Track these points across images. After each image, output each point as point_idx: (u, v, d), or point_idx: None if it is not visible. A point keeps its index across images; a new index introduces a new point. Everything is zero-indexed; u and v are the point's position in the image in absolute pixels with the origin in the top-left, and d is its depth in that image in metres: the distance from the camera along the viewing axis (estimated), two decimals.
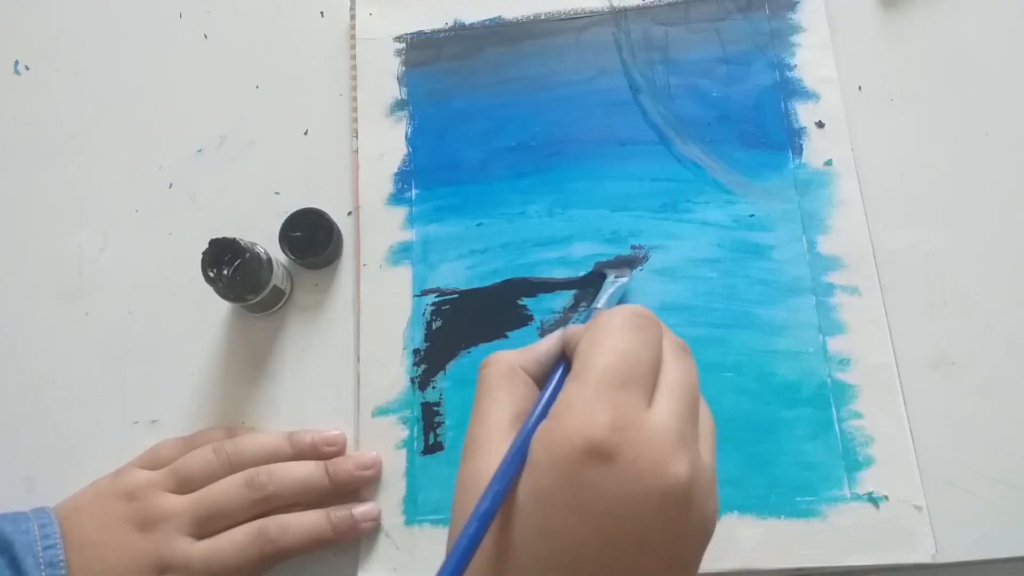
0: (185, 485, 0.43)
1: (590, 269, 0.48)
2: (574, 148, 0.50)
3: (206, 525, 0.42)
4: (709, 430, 0.33)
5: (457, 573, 0.28)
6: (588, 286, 0.48)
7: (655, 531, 0.29)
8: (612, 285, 0.44)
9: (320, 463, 0.44)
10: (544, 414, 0.32)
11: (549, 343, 0.36)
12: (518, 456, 0.31)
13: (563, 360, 0.35)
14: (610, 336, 0.32)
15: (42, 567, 0.40)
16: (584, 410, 0.30)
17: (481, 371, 0.35)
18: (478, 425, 0.33)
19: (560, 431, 0.30)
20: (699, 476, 0.30)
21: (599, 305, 0.42)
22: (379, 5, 0.54)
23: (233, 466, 0.44)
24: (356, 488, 0.45)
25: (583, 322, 0.38)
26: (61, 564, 0.41)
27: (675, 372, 0.32)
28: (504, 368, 0.35)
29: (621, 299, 0.45)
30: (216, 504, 0.42)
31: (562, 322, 0.47)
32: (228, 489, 0.42)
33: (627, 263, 0.46)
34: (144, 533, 0.42)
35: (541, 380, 0.36)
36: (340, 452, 0.45)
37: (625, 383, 0.30)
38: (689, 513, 0.29)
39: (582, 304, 0.47)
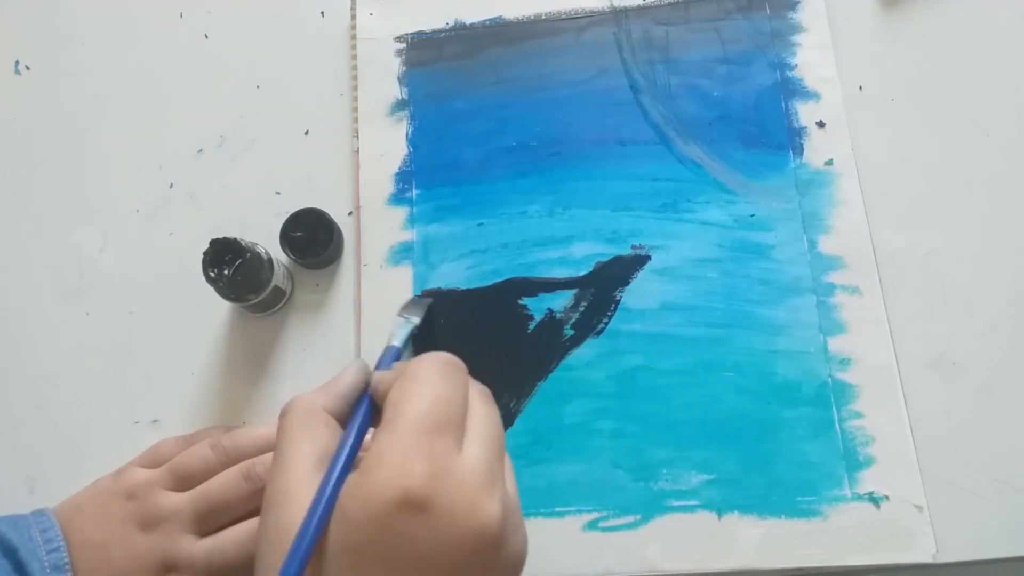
0: (184, 482, 0.43)
1: (590, 268, 0.48)
2: (574, 148, 0.50)
3: (207, 521, 0.42)
4: (509, 464, 0.33)
5: None
6: (589, 286, 0.48)
7: (469, 570, 0.29)
8: (408, 325, 0.44)
9: None
10: (350, 459, 0.32)
11: (351, 377, 0.36)
12: (325, 508, 0.30)
13: (366, 397, 0.35)
14: (421, 383, 0.32)
15: (48, 571, 0.40)
16: (398, 460, 0.29)
17: (281, 419, 0.34)
18: (280, 475, 0.32)
19: (374, 484, 0.29)
20: (509, 512, 0.31)
21: (396, 343, 0.41)
22: (379, 5, 0.54)
23: (231, 460, 0.43)
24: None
25: (383, 363, 0.38)
26: (66, 567, 0.41)
27: (482, 415, 0.33)
28: (304, 412, 0.34)
29: (409, 338, 0.44)
30: (215, 499, 0.42)
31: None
32: (226, 483, 0.42)
33: (419, 304, 0.46)
34: (146, 532, 0.42)
35: (345, 417, 0.35)
36: None
37: (437, 429, 0.31)
38: (502, 549, 0.30)
39: (584, 303, 0.47)
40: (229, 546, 0.41)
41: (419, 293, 0.48)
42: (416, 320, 0.44)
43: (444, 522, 0.29)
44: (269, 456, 0.43)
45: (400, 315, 0.44)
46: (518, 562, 0.31)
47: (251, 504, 0.43)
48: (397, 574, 0.29)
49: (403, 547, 0.29)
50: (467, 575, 0.29)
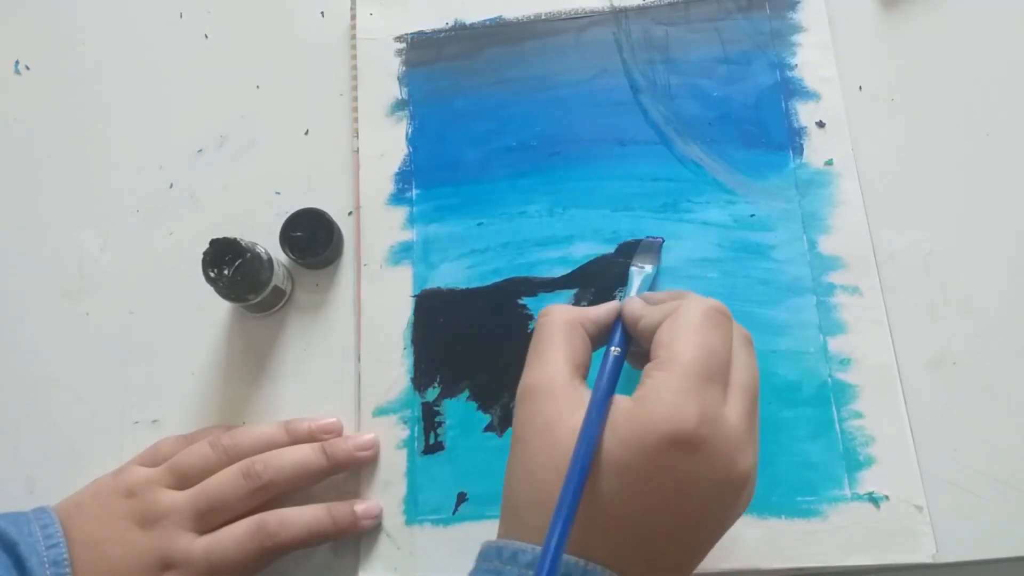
0: (183, 480, 0.43)
1: (587, 261, 0.48)
2: (574, 148, 0.50)
3: (206, 519, 0.42)
4: (757, 424, 0.36)
5: (565, 532, 0.31)
6: (589, 285, 0.47)
7: (714, 512, 0.33)
8: (639, 275, 0.44)
9: (317, 444, 0.44)
10: (614, 382, 0.35)
11: (605, 311, 0.39)
12: (597, 426, 0.33)
13: (621, 328, 0.38)
14: (692, 330, 0.34)
15: (47, 566, 0.40)
16: (674, 400, 0.32)
17: (541, 319, 0.38)
18: (540, 370, 0.35)
19: (651, 415, 0.32)
20: (756, 468, 0.34)
21: (632, 295, 0.43)
22: (379, 5, 0.54)
23: (230, 458, 0.44)
24: (355, 468, 0.45)
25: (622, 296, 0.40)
26: (65, 563, 0.41)
27: (743, 368, 0.35)
28: (565, 319, 0.37)
29: (652, 286, 0.45)
30: (215, 497, 0.42)
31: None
32: (225, 481, 0.43)
33: (649, 249, 0.46)
34: (146, 530, 0.42)
35: (596, 342, 0.38)
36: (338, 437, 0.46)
37: (709, 379, 0.33)
38: (742, 497, 0.34)
39: (584, 303, 0.47)
40: (228, 543, 0.41)
41: (647, 237, 0.48)
42: (650, 268, 0.45)
43: (705, 465, 0.32)
44: (269, 454, 0.43)
45: (634, 264, 0.45)
46: (746, 505, 0.35)
47: (250, 502, 0.43)
48: (656, 496, 0.32)
49: (668, 477, 0.32)
50: (713, 512, 0.33)
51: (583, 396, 0.34)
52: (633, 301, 0.38)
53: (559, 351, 0.36)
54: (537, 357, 0.36)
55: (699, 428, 0.32)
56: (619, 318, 0.39)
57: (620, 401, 0.34)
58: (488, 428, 0.46)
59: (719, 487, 0.33)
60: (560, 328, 0.37)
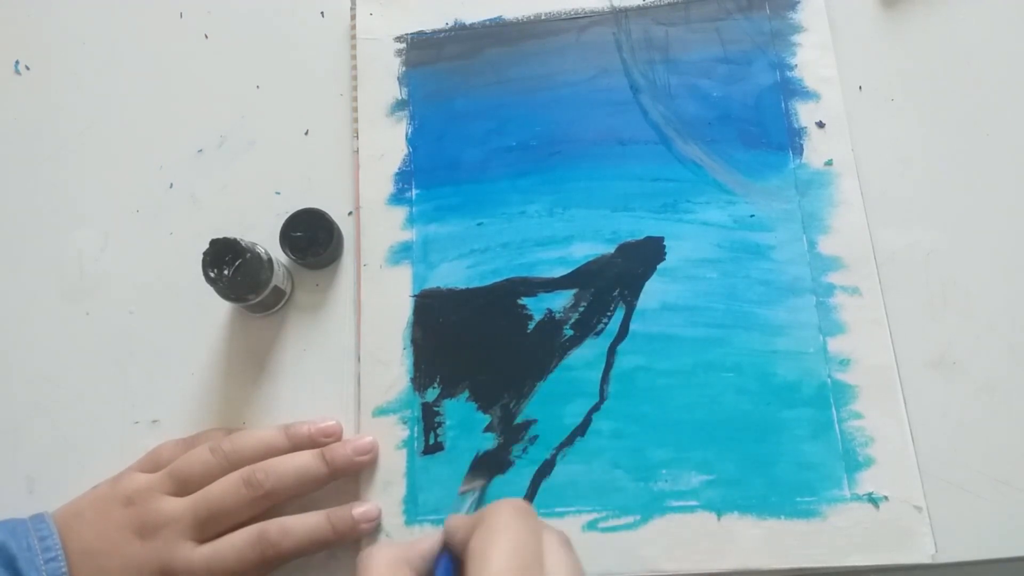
0: (184, 487, 0.43)
1: (583, 264, 0.48)
2: (574, 148, 0.50)
3: (207, 527, 0.42)
4: None
5: None
6: (589, 285, 0.47)
7: None
8: (471, 497, 0.45)
9: (316, 451, 0.44)
10: None
11: (430, 542, 0.37)
12: None
13: (446, 553, 0.36)
14: (500, 531, 0.33)
15: None
16: None
17: (361, 563, 0.35)
18: None
19: None
20: None
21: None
22: (379, 5, 0.54)
23: (231, 464, 0.43)
24: (355, 473, 0.45)
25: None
26: None
27: (558, 555, 0.34)
28: (390, 560, 0.35)
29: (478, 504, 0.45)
30: (215, 505, 0.42)
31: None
32: (226, 489, 0.42)
33: (477, 475, 0.45)
34: (145, 540, 0.42)
35: (423, 573, 0.36)
36: (337, 442, 0.46)
37: (523, 573, 0.32)
38: None
39: (584, 303, 0.47)
40: (228, 553, 0.41)
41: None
42: (478, 491, 0.45)
43: None
44: (270, 462, 0.43)
45: (463, 488, 0.45)
46: None
47: (251, 510, 0.43)
48: None
49: None
50: None
51: None
52: (453, 518, 0.37)
53: None
54: None
55: None
56: (443, 547, 0.37)
57: None
58: (488, 428, 0.46)
59: None
60: (382, 571, 0.35)
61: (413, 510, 0.45)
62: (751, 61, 0.51)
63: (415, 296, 0.48)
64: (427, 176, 0.51)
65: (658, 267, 0.47)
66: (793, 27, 0.51)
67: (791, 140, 0.49)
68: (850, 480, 0.43)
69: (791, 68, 0.51)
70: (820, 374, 0.45)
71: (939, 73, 0.51)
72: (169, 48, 0.56)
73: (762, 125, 0.50)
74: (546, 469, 0.45)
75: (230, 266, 0.45)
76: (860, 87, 0.51)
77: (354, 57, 0.53)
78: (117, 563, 0.41)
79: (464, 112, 0.52)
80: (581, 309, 0.47)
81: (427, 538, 0.37)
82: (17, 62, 0.57)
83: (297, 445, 0.45)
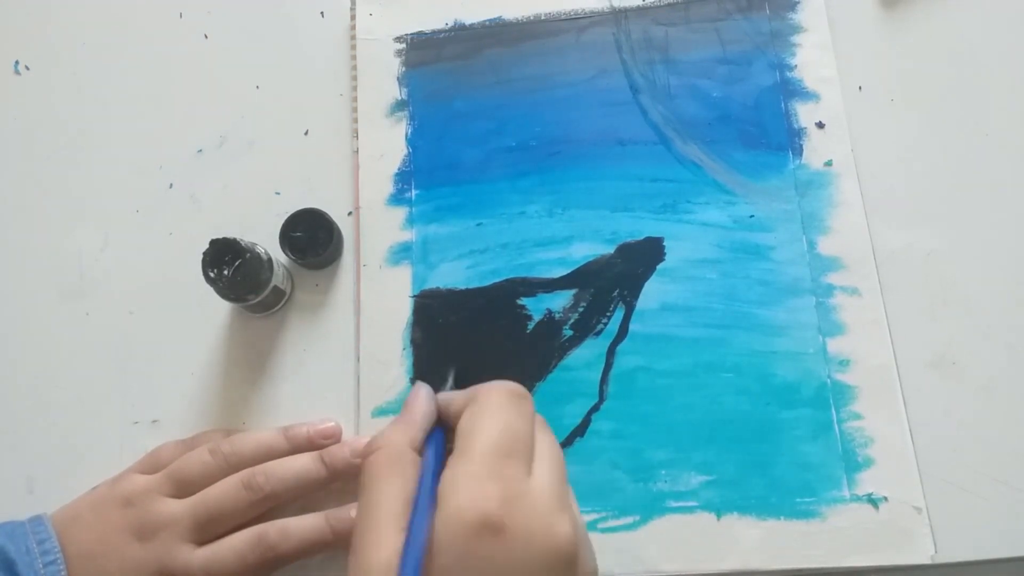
0: (183, 488, 0.43)
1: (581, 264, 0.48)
2: (574, 148, 0.50)
3: (206, 530, 0.42)
4: (571, 489, 0.35)
5: None
6: (588, 285, 0.48)
7: None
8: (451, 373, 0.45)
9: (315, 454, 0.44)
10: (432, 491, 0.32)
11: (424, 407, 0.38)
12: (416, 552, 0.30)
13: (439, 431, 0.36)
14: (490, 412, 0.34)
15: None
16: (474, 486, 0.31)
17: (367, 460, 0.35)
18: (366, 516, 0.33)
19: (452, 510, 0.31)
20: (581, 533, 0.32)
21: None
22: (379, 5, 0.54)
23: (230, 466, 0.43)
24: (354, 475, 0.45)
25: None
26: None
27: (547, 442, 0.34)
28: (392, 452, 0.35)
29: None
30: (215, 508, 0.42)
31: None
32: (226, 492, 0.42)
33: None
34: (144, 542, 0.41)
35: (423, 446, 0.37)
36: (336, 443, 0.46)
37: (508, 455, 0.32)
38: (576, 567, 0.31)
39: (583, 303, 0.47)
40: (228, 555, 0.41)
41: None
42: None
43: (521, 544, 0.30)
44: (269, 465, 0.43)
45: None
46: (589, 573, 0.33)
47: (251, 513, 0.42)
48: None
49: (487, 568, 0.30)
50: None
51: None
52: (448, 393, 0.38)
53: (384, 490, 0.33)
54: (362, 503, 0.34)
55: (503, 505, 0.30)
56: (434, 430, 0.37)
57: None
58: None
59: (542, 564, 0.31)
60: (386, 464, 0.34)
61: None
62: (751, 61, 0.51)
63: (415, 296, 0.48)
64: (427, 176, 0.51)
65: (658, 267, 0.47)
66: (793, 27, 0.51)
67: (791, 140, 0.49)
68: (850, 481, 0.43)
69: (791, 68, 0.51)
70: (820, 375, 0.45)
71: (939, 73, 0.51)
72: (169, 48, 0.56)
73: (762, 125, 0.50)
74: None
75: (230, 266, 0.45)
76: (860, 87, 0.50)
77: (354, 57, 0.53)
78: (115, 565, 0.41)
79: (464, 112, 0.52)
80: (580, 309, 0.47)
81: (419, 404, 0.38)
82: (17, 62, 0.57)
83: (296, 447, 0.45)
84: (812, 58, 0.51)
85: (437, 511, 0.31)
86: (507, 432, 0.33)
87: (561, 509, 0.32)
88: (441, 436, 0.36)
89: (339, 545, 0.43)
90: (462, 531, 0.30)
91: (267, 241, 0.49)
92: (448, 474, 0.32)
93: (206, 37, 0.56)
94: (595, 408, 0.45)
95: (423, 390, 0.39)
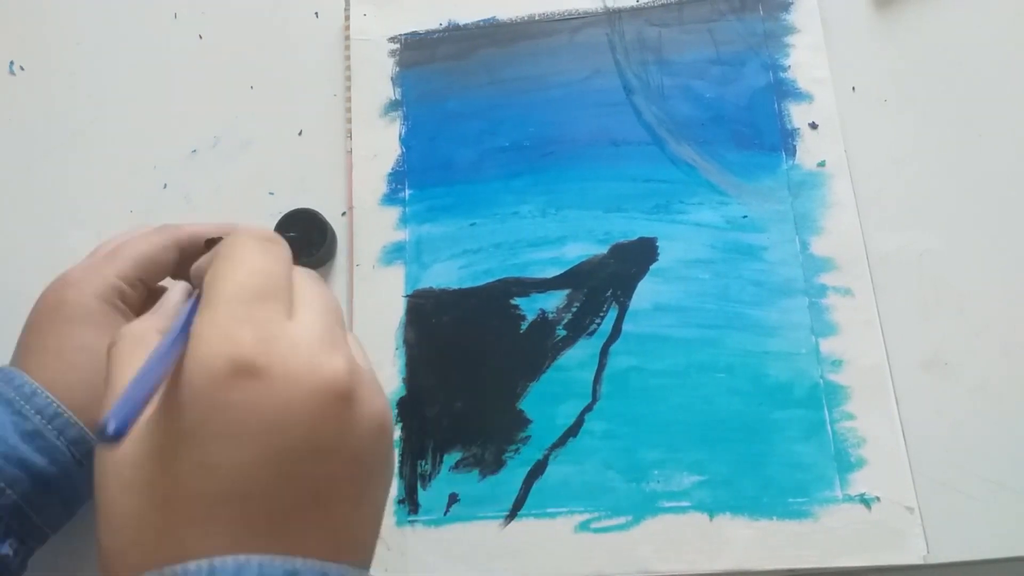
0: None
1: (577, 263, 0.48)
2: (568, 148, 0.50)
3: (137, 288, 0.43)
4: (358, 341, 0.31)
5: None
6: (582, 285, 0.48)
7: (324, 431, 0.27)
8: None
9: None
10: (170, 349, 0.28)
11: (176, 295, 0.36)
12: (137, 392, 0.26)
13: (194, 296, 0.32)
14: (236, 258, 0.29)
15: (36, 415, 0.39)
16: (220, 332, 0.27)
17: (110, 348, 0.32)
18: (105, 396, 0.30)
19: (198, 360, 0.26)
20: (360, 374, 0.28)
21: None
22: (373, 6, 0.54)
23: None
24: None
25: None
26: (42, 393, 0.40)
27: (311, 290, 0.30)
28: (135, 335, 0.32)
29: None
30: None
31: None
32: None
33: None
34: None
35: None
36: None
37: (258, 298, 0.28)
38: (357, 404, 0.27)
39: (576, 303, 0.47)
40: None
41: None
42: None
43: (282, 384, 0.26)
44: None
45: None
46: (381, 423, 0.29)
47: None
48: (249, 444, 0.26)
49: (243, 420, 0.26)
50: (322, 430, 0.27)
51: None
52: (199, 262, 0.34)
53: (126, 372, 0.29)
54: (107, 389, 0.30)
55: (257, 346, 0.26)
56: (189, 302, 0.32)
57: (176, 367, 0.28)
58: None
59: (314, 398, 0.26)
60: (130, 347, 0.31)
61: (404, 511, 0.45)
62: (744, 62, 0.51)
63: (408, 296, 0.48)
64: (420, 176, 0.51)
65: (651, 268, 0.47)
66: (786, 28, 0.52)
67: (784, 141, 0.49)
68: (842, 481, 0.43)
69: (784, 69, 0.51)
70: (812, 375, 0.45)
71: (932, 74, 0.51)
72: (163, 49, 0.56)
73: (755, 126, 0.50)
74: (538, 470, 0.45)
75: None
76: (853, 88, 0.51)
77: (348, 58, 0.53)
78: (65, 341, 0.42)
79: (457, 112, 0.52)
80: (574, 309, 0.47)
81: (173, 293, 0.37)
82: (12, 63, 0.57)
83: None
84: (805, 59, 0.51)
85: (183, 367, 0.27)
86: (254, 275, 0.29)
87: (330, 347, 0.28)
88: (196, 301, 0.31)
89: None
90: (211, 380, 0.26)
91: None
92: (192, 329, 0.28)
93: (200, 37, 0.56)
94: (588, 408, 0.45)
95: (179, 285, 0.37)
